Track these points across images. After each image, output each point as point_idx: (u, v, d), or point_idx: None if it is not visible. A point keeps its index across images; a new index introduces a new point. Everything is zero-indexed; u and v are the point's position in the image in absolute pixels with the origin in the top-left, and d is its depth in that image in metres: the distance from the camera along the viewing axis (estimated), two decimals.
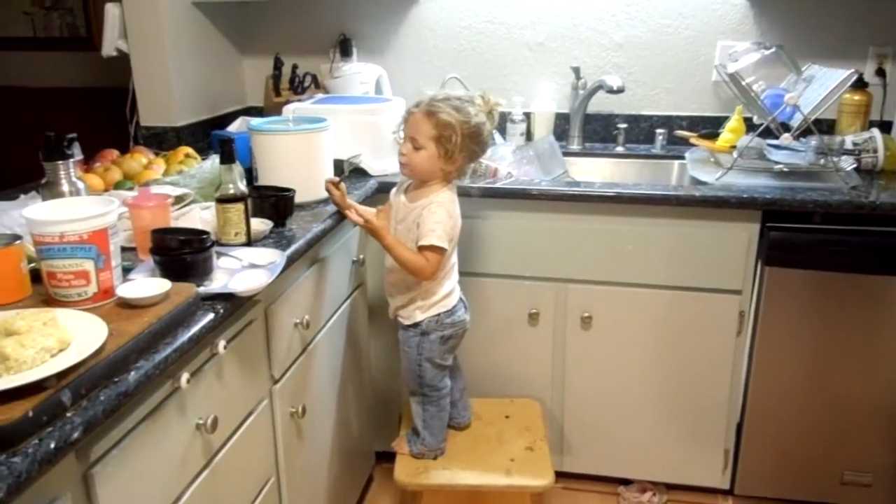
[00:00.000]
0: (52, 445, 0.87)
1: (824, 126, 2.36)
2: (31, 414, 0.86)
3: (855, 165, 2.14)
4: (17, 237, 1.22)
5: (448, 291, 1.84)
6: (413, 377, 1.88)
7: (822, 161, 2.12)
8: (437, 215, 1.72)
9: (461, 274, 1.96)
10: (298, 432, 1.71)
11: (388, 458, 2.21)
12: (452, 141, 1.69)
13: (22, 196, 1.67)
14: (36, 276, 1.21)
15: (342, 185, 1.81)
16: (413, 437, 1.96)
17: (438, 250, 1.72)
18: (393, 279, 1.85)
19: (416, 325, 1.84)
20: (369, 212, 1.84)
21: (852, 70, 2.06)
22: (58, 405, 0.90)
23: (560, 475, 2.27)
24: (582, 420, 2.30)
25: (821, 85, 2.13)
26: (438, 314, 1.83)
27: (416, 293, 1.82)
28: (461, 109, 1.70)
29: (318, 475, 1.88)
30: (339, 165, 1.97)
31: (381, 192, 2.07)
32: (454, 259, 1.87)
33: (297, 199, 1.77)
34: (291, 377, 1.65)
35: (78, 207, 1.22)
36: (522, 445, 1.99)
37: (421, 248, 1.72)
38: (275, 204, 1.71)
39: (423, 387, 1.89)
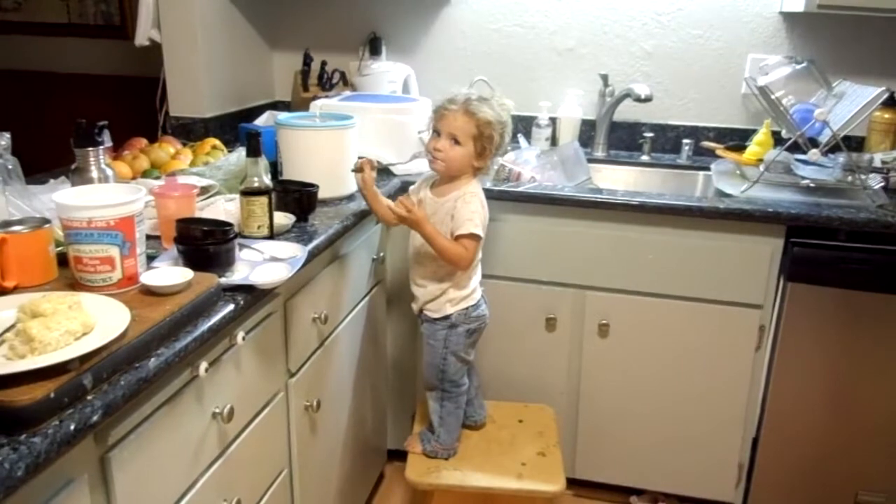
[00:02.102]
0: (72, 427, 0.88)
1: (853, 143, 2.34)
2: (52, 395, 0.87)
3: (883, 184, 2.11)
4: (46, 221, 1.24)
5: (476, 285, 1.88)
6: (436, 371, 1.89)
7: (849, 178, 2.10)
8: (472, 205, 1.76)
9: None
10: (312, 426, 1.72)
11: (399, 456, 2.21)
12: (493, 140, 1.75)
13: (51, 180, 1.69)
14: (63, 260, 1.23)
15: (374, 172, 1.79)
16: (427, 435, 1.96)
17: (476, 238, 1.76)
18: (424, 271, 1.87)
19: (445, 317, 1.85)
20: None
21: (884, 88, 2.04)
22: (79, 388, 0.92)
23: (571, 482, 2.26)
24: (595, 427, 2.29)
25: (851, 102, 2.11)
26: (466, 307, 1.86)
27: (449, 285, 1.84)
28: (495, 109, 1.75)
29: (330, 470, 1.89)
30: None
31: (403, 191, 2.07)
32: (480, 254, 1.88)
33: (321, 195, 1.78)
34: (308, 371, 1.66)
35: (106, 194, 1.23)
36: (535, 450, 1.98)
37: (458, 238, 1.76)
38: (298, 199, 1.72)
39: (444, 382, 1.90)
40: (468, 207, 1.76)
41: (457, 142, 1.74)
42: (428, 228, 1.75)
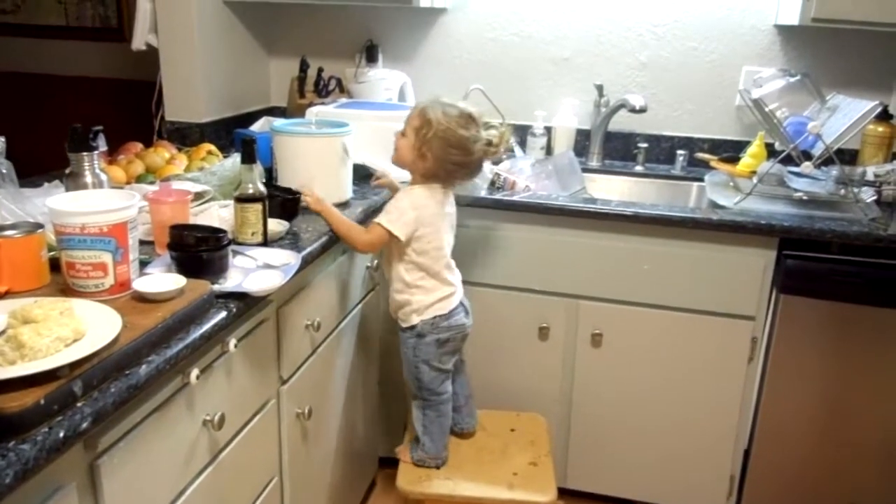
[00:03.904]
0: (62, 434, 0.88)
1: (846, 156, 2.35)
2: (42, 402, 0.87)
3: (875, 197, 2.12)
4: (39, 226, 1.23)
5: (445, 294, 1.84)
6: (412, 379, 1.89)
7: (842, 191, 2.11)
8: (400, 201, 1.78)
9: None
10: (304, 434, 1.71)
11: (391, 464, 2.21)
12: (426, 136, 1.73)
13: (46, 184, 1.69)
14: (55, 266, 1.23)
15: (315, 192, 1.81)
16: (415, 444, 1.96)
17: (384, 230, 1.75)
18: (388, 275, 1.88)
19: (412, 327, 1.85)
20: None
21: (877, 102, 2.05)
22: (69, 395, 0.92)
23: (563, 492, 2.25)
24: (588, 437, 2.29)
25: (844, 115, 2.12)
26: (434, 317, 1.83)
27: (411, 293, 1.82)
28: (449, 115, 1.73)
29: (321, 477, 1.88)
30: (357, 170, 1.99)
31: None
32: (449, 262, 1.85)
33: None
34: (300, 378, 1.66)
35: (100, 200, 1.23)
36: (526, 460, 1.98)
37: (371, 224, 1.78)
38: (293, 206, 1.73)
39: (422, 390, 1.89)
40: (393, 202, 1.78)
41: (404, 132, 1.78)
42: (331, 216, 1.76)
